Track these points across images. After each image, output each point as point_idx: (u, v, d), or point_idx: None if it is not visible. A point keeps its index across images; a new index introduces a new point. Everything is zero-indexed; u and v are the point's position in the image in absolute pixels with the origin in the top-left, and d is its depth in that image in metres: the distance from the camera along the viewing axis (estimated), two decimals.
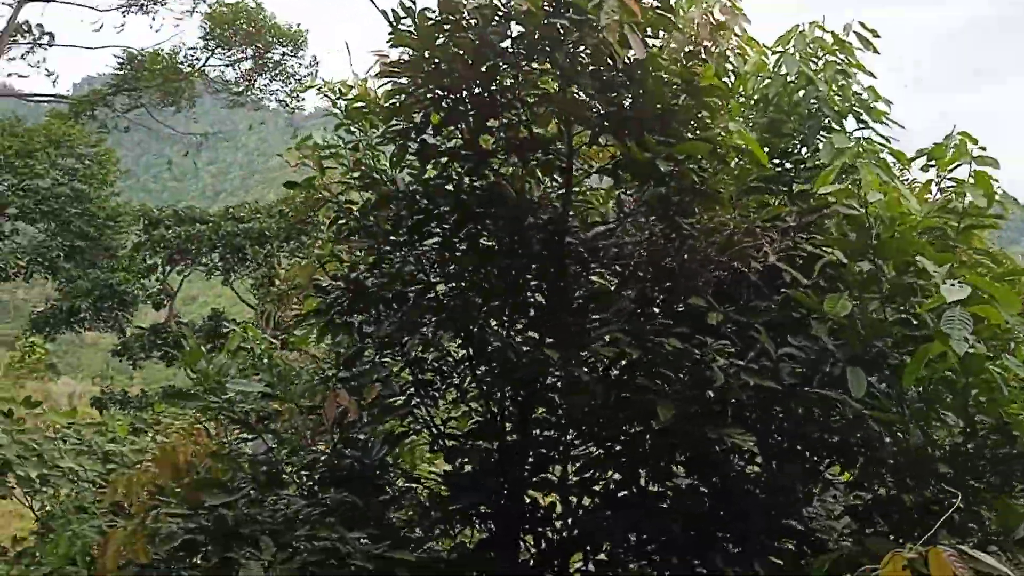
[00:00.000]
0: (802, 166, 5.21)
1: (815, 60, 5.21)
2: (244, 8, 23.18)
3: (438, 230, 5.31)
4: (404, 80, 4.96)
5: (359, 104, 5.60)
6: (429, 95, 4.92)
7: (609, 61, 4.34)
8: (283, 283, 24.66)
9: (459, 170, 5.24)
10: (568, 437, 5.37)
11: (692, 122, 4.68)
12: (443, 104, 4.88)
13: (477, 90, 4.71)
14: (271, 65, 24.32)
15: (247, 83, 24.62)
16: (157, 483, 6.58)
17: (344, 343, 5.66)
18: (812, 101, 5.08)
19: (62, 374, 39.25)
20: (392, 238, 5.38)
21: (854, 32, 5.20)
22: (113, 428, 10.66)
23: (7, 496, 9.37)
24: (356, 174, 5.62)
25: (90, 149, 20.24)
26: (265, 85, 24.93)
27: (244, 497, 4.60)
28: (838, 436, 4.79)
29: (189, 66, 24.02)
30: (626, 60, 4.29)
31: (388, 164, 5.53)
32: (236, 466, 5.02)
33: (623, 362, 4.95)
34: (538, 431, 5.31)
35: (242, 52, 23.99)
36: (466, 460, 5.34)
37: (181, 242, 23.62)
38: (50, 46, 23.54)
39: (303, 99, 26.03)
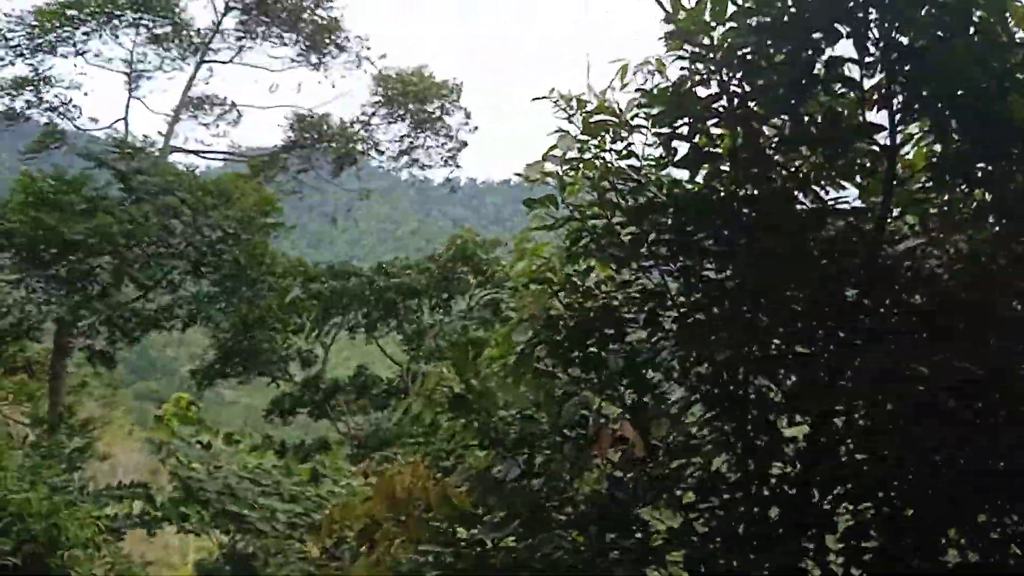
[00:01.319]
0: None
1: None
2: (416, 73, 23.89)
3: (710, 242, 4.69)
4: (673, 76, 4.48)
5: (600, 117, 5.14)
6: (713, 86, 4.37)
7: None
8: (432, 338, 24.79)
9: (730, 175, 4.64)
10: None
11: None
12: (731, 92, 4.31)
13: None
14: (430, 122, 24.75)
15: (411, 141, 25.20)
16: (372, 515, 6.15)
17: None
18: None
19: None
20: (654, 249, 4.81)
21: None
22: (297, 471, 10.51)
23: (200, 533, 9.33)
24: (604, 185, 5.12)
25: (258, 208, 20.96)
26: (422, 143, 25.40)
27: (512, 534, 4.00)
28: None
29: (359, 126, 24.79)
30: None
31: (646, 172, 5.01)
32: (490, 496, 4.44)
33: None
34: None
35: (404, 110, 24.58)
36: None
37: (336, 297, 24.06)
38: (235, 116, 24.84)
39: (459, 157, 26.34)
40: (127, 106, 26.29)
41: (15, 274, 19.16)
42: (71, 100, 26.19)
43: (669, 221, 4.76)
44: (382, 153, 25.81)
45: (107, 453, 24.32)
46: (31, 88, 25.32)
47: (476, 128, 26.05)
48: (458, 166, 26.28)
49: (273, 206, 21.52)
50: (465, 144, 26.14)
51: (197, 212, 18.96)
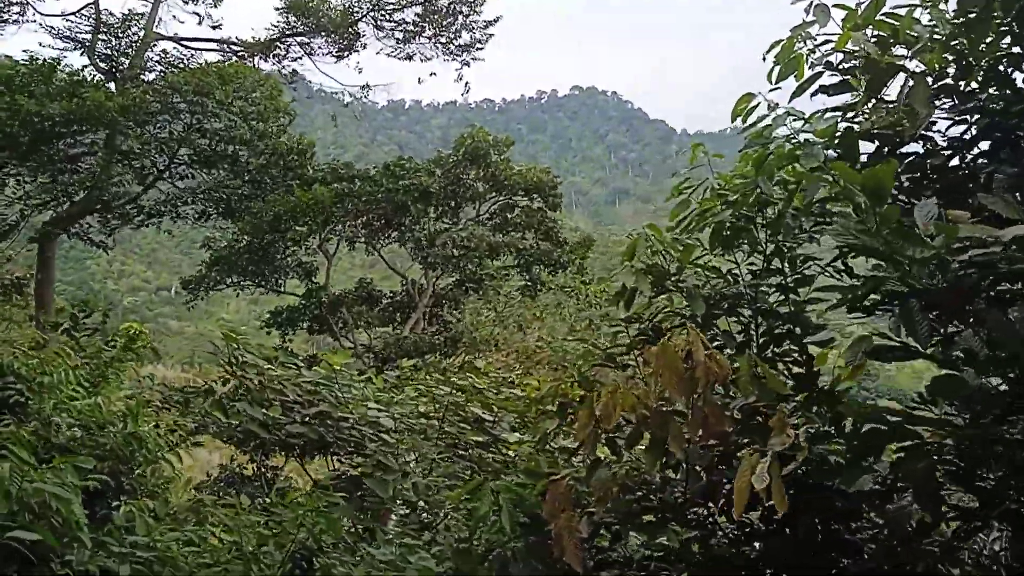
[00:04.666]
0: None
1: None
2: None
3: None
4: None
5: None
6: None
7: None
8: (441, 245, 22.94)
9: None
10: None
11: None
12: None
13: None
14: (442, 13, 22.39)
15: (418, 30, 22.73)
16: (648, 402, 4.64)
17: None
18: None
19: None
20: None
21: None
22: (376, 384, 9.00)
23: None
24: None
25: (259, 89, 18.70)
26: (435, 36, 22.98)
27: None
28: None
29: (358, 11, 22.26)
30: None
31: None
32: None
33: None
34: None
35: None
36: None
37: (343, 200, 22.02)
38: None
39: (480, 55, 23.96)
40: None
41: None
42: None
43: None
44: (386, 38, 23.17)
45: None
46: None
47: (497, 20, 23.67)
48: (467, 63, 23.95)
49: (279, 90, 19.24)
50: (487, 40, 23.79)
51: (199, 93, 16.64)
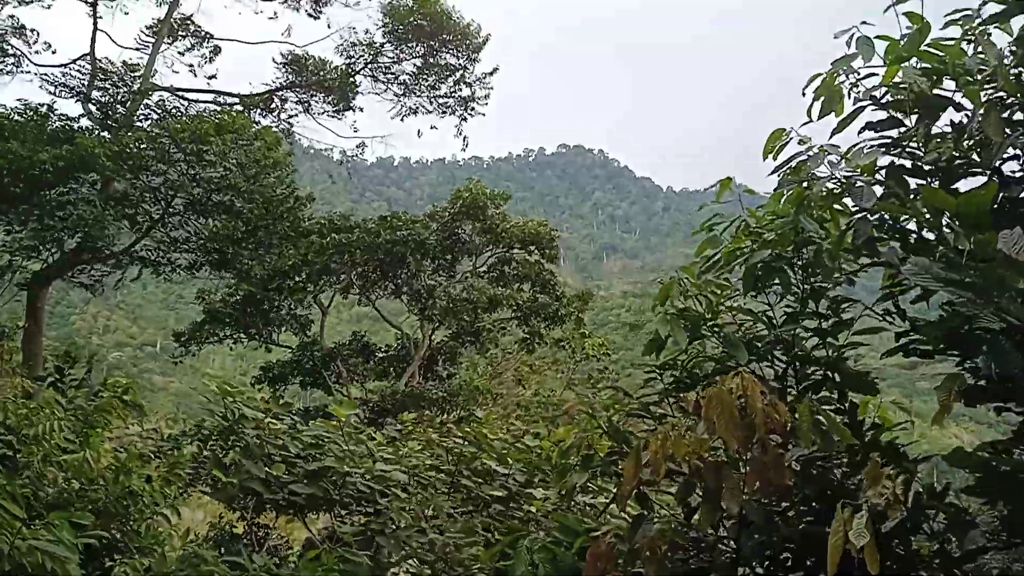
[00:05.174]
0: None
1: None
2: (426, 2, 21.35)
3: None
4: None
5: None
6: None
7: None
8: (440, 297, 22.59)
9: None
10: None
11: None
12: None
13: None
14: (440, 67, 22.41)
15: (416, 83, 22.71)
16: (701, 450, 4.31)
17: None
18: None
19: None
20: None
21: None
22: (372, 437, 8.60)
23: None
24: None
25: (257, 142, 18.52)
26: (433, 89, 22.96)
27: None
28: None
29: (355, 66, 22.25)
30: None
31: None
32: None
33: None
34: None
35: (412, 50, 22.19)
36: None
37: (340, 250, 21.68)
38: (212, 49, 22.11)
39: (483, 105, 23.90)
40: (93, 36, 22.99)
41: None
42: (23, 26, 22.91)
43: None
44: (389, 88, 23.09)
45: None
46: None
47: (495, 71, 23.69)
48: (470, 115, 23.87)
49: (277, 141, 19.08)
50: (487, 96, 23.82)
51: (195, 142, 16.43)
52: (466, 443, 7.50)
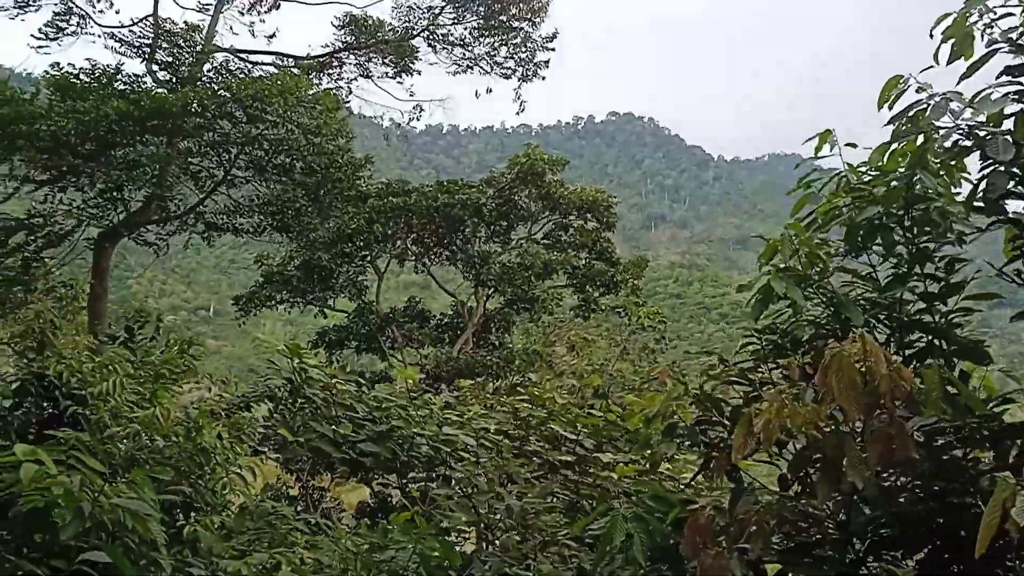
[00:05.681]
0: None
1: None
2: None
3: None
4: None
5: None
6: None
7: None
8: (496, 264, 22.33)
9: None
10: None
11: None
12: None
13: None
14: (502, 28, 21.91)
15: (476, 43, 22.28)
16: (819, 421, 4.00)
17: None
18: None
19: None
20: None
21: None
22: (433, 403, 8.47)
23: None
24: None
25: (318, 104, 18.40)
26: (493, 51, 22.50)
27: None
28: None
29: (415, 27, 21.92)
30: None
31: None
32: None
33: None
34: None
35: (473, 9, 21.72)
36: None
37: (396, 215, 21.55)
38: (272, 4, 21.97)
39: (544, 68, 23.37)
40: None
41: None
42: None
43: None
44: (451, 48, 22.67)
45: None
46: None
47: (555, 36, 23.07)
48: (531, 79, 23.36)
49: (337, 104, 18.92)
50: (547, 60, 23.24)
51: (258, 100, 16.34)
52: (535, 408, 7.28)
